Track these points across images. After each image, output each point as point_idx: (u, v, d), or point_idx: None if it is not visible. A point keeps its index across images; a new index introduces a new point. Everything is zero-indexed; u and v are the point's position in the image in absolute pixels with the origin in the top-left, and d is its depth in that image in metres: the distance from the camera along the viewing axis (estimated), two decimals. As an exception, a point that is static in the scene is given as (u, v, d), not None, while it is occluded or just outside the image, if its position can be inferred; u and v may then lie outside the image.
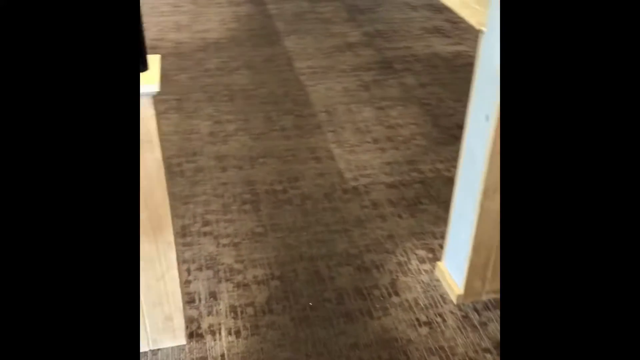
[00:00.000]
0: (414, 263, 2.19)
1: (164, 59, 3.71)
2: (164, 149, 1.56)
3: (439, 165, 2.74)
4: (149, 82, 1.39)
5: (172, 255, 1.67)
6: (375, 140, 2.92)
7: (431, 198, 2.53)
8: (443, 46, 3.96)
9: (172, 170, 2.67)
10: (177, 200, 2.49)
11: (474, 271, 1.92)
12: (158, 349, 1.84)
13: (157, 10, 4.46)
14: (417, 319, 1.95)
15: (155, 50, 3.81)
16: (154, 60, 1.46)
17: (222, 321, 1.94)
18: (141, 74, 1.40)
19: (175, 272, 1.71)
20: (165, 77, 3.48)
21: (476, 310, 1.98)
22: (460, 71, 3.63)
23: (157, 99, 3.45)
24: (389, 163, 2.75)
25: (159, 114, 3.17)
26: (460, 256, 1.94)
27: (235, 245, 2.25)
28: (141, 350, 1.83)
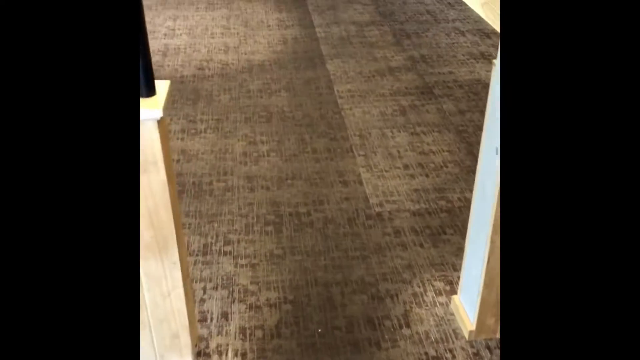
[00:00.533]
0: (430, 295, 2.13)
1: (210, 79, 3.83)
2: (170, 169, 1.61)
3: (468, 195, 2.67)
4: (154, 107, 1.44)
5: (178, 274, 1.71)
6: (406, 166, 2.88)
7: (456, 228, 2.47)
8: (487, 72, 3.88)
9: (202, 189, 2.74)
10: (203, 218, 2.55)
11: (486, 308, 1.85)
12: (165, 365, 1.87)
13: (209, 32, 4.62)
14: (426, 353, 1.90)
15: (202, 70, 3.94)
16: (162, 86, 1.52)
17: (231, 342, 1.96)
18: (147, 99, 1.46)
19: (180, 291, 1.75)
20: (208, 98, 3.59)
21: (488, 348, 1.90)
22: (503, 98, 3.54)
23: (197, 119, 3.53)
24: (416, 190, 2.71)
25: (198, 134, 3.26)
26: (473, 291, 1.88)
27: (253, 266, 2.28)
28: (149, 365, 1.88)
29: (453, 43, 4.34)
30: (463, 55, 4.14)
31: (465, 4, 5.07)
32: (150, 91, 1.47)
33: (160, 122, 1.49)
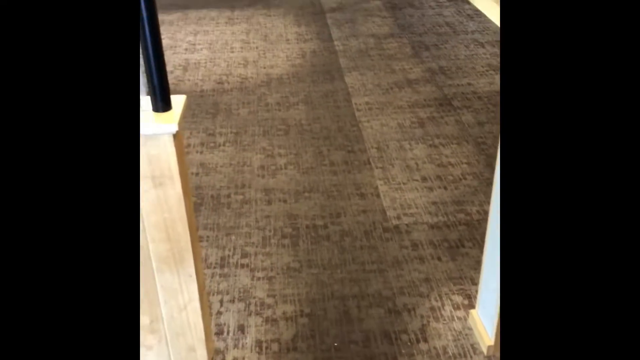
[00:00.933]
0: (448, 309, 2.11)
1: (229, 93, 3.87)
2: (186, 183, 1.62)
3: (487, 207, 2.64)
4: (169, 121, 1.46)
5: (194, 287, 1.72)
6: (424, 179, 2.87)
7: (474, 241, 2.44)
8: (507, 83, 3.85)
9: (220, 202, 2.76)
10: (221, 230, 2.56)
11: (505, 322, 1.82)
12: (182, 378, 1.88)
13: (229, 46, 4.67)
14: (444, 369, 1.87)
15: (222, 84, 3.98)
16: (178, 101, 1.54)
17: (247, 355, 1.96)
18: (163, 113, 1.48)
19: (197, 304, 1.75)
20: (227, 111, 3.62)
21: (508, 364, 1.87)
22: (523, 109, 3.50)
23: (216, 132, 3.55)
24: (434, 203, 2.69)
25: (217, 147, 3.28)
26: (491, 305, 1.86)
27: (270, 279, 2.28)
28: (166, 378, 1.88)
29: (472, 54, 4.32)
30: (482, 66, 4.12)
31: (484, 16, 5.05)
32: (166, 106, 1.49)
33: (175, 136, 1.50)
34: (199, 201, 2.76)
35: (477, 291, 2.16)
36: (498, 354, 1.90)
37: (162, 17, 5.18)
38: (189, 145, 3.23)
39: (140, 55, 1.46)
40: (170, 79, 4.00)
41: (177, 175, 1.53)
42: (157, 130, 1.45)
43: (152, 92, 1.47)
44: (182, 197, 1.57)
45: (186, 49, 4.57)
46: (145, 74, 1.47)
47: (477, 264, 2.31)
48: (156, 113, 1.48)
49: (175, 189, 1.55)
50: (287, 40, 4.76)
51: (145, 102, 1.52)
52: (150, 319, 1.75)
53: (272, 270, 2.32)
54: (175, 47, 4.59)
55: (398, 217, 2.60)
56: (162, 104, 1.48)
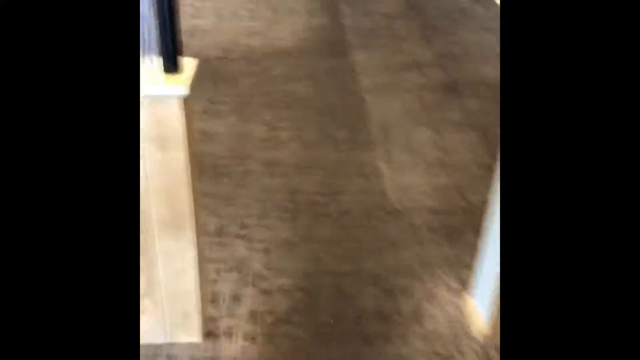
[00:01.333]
0: (443, 293, 2.11)
1: (234, 62, 3.82)
2: (192, 148, 1.60)
3: (488, 196, 2.63)
4: (179, 83, 1.43)
5: (192, 254, 1.71)
6: (426, 163, 2.85)
7: (473, 228, 2.44)
8: (515, 73, 3.82)
9: (220, 171, 2.74)
10: (220, 200, 2.55)
11: (499, 309, 1.82)
12: (174, 343, 1.88)
13: (235, 15, 4.61)
14: (435, 352, 1.88)
15: (227, 53, 3.93)
16: (189, 64, 1.51)
17: (241, 325, 1.96)
18: (173, 75, 1.45)
19: (193, 271, 1.74)
20: (232, 81, 3.58)
21: (499, 349, 1.88)
22: (530, 100, 3.48)
23: (219, 101, 3.51)
24: (436, 188, 2.68)
25: (219, 116, 3.25)
26: (486, 292, 1.86)
27: (267, 251, 2.27)
28: (159, 341, 1.88)
29: (481, 40, 4.28)
30: (491, 53, 4.08)
31: (495, 3, 5.00)
32: (177, 67, 1.46)
33: (185, 100, 1.48)
34: (199, 169, 2.74)
35: (473, 277, 2.17)
36: (490, 340, 1.90)
37: (170, -20, 5.08)
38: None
39: (152, 14, 1.43)
40: (176, 44, 3.94)
41: (184, 140, 1.51)
42: (166, 91, 1.42)
43: (163, 53, 1.44)
44: (187, 162, 1.55)
45: (193, 15, 4.50)
46: (157, 34, 1.44)
47: (474, 251, 2.31)
48: (166, 75, 1.45)
49: (180, 154, 1.54)
50: (297, 13, 4.69)
51: (156, 62, 1.49)
52: (148, 283, 1.74)
53: (270, 243, 2.32)
54: (182, 11, 4.51)
55: (399, 200, 2.59)
56: (172, 65, 1.45)
